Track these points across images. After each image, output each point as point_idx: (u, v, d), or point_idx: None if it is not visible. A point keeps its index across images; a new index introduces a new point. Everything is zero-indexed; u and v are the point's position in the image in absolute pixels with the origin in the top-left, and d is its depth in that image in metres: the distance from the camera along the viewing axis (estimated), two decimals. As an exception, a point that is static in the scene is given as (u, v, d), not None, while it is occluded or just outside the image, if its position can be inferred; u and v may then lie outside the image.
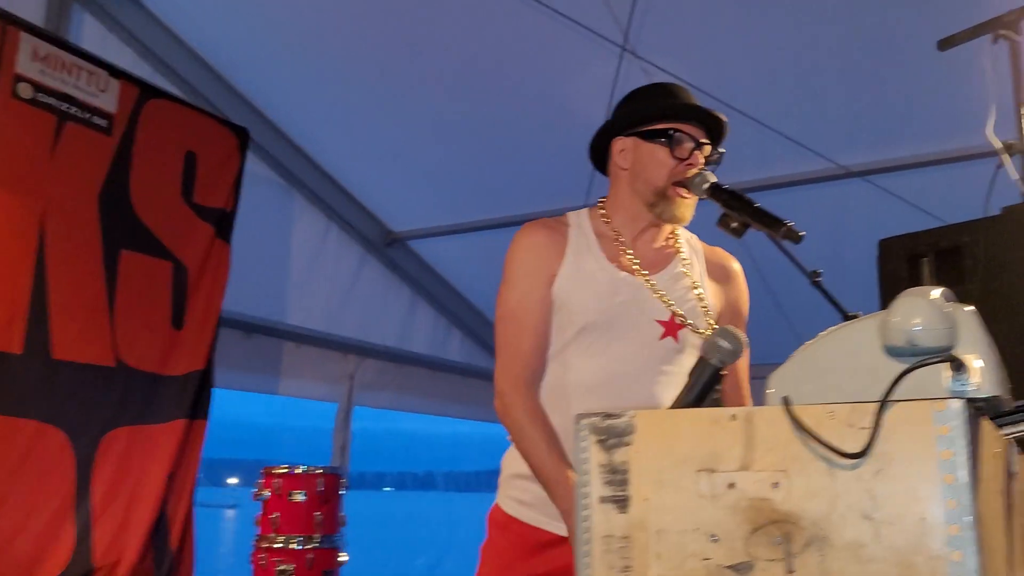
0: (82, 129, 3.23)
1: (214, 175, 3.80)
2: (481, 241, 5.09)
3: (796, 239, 1.70)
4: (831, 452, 0.89)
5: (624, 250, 1.96)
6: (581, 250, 1.94)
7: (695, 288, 1.98)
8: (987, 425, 1.02)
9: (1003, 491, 1.12)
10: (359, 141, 4.72)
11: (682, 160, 1.90)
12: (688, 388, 1.30)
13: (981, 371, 0.92)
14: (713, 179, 1.86)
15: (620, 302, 1.89)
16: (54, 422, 3.08)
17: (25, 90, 3.04)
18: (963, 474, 0.83)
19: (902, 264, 2.62)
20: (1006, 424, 1.33)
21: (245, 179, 4.03)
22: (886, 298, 2.68)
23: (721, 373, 1.30)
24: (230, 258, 3.84)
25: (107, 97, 3.32)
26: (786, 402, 0.93)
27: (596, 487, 1.01)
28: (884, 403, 0.87)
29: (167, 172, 3.59)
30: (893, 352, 0.93)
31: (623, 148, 1.96)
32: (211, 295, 3.73)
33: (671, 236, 2.03)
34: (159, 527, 3.30)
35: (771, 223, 1.72)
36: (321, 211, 4.90)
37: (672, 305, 1.92)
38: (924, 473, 0.85)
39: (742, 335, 1.32)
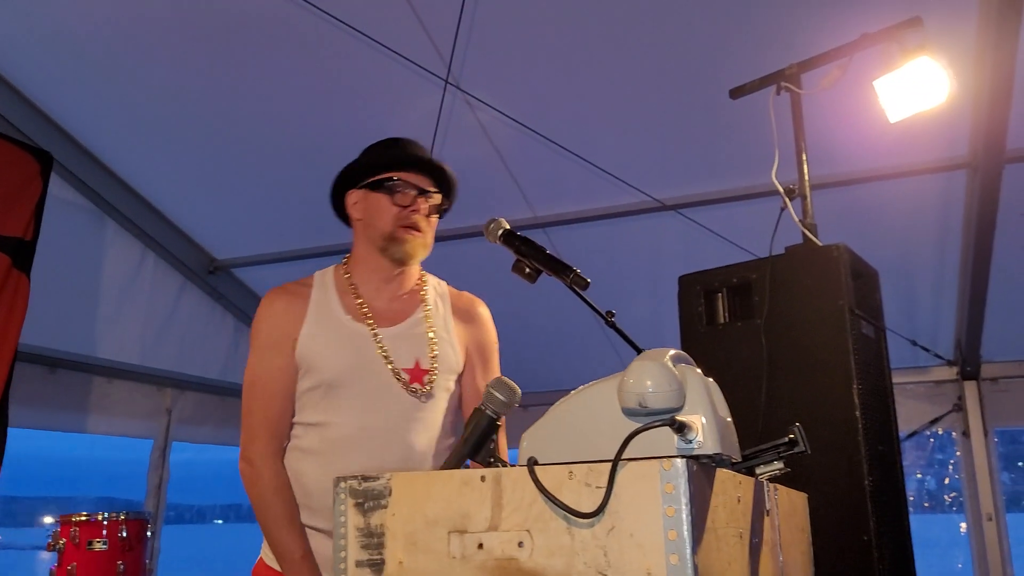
0: None
1: (11, 202, 3.56)
2: (309, 269, 4.99)
3: (583, 285, 1.77)
4: (569, 512, 0.93)
5: (367, 302, 2.02)
6: (322, 309, 1.99)
7: (438, 334, 2.05)
8: (724, 475, 1.09)
9: (747, 533, 1.20)
10: (179, 167, 4.55)
11: (404, 207, 2.00)
12: (464, 439, 1.32)
13: (704, 430, 0.98)
14: (506, 226, 1.91)
15: (365, 355, 1.95)
16: None
17: None
18: (684, 530, 0.88)
19: (698, 299, 2.78)
20: (759, 465, 1.42)
21: (52, 205, 3.80)
22: (685, 331, 2.84)
23: (497, 423, 1.33)
24: (29, 290, 3.60)
25: None
26: (531, 463, 0.96)
27: (352, 551, 1.01)
28: (616, 463, 0.92)
29: (-46, 199, 3.34)
30: (628, 413, 0.98)
31: (356, 200, 2.06)
32: (6, 330, 3.49)
33: (419, 283, 2.11)
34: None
35: (560, 270, 1.79)
36: (137, 238, 4.69)
37: (417, 352, 1.99)
38: (650, 530, 0.90)
39: (516, 388, 1.36)
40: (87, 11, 3.64)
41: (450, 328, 2.08)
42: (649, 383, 0.95)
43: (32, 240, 3.66)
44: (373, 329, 1.98)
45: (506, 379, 1.37)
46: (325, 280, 2.06)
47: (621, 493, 0.91)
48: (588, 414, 1.02)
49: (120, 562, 3.12)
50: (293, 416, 1.98)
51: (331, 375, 1.93)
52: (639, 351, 1.81)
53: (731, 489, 1.12)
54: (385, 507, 1.01)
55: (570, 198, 4.53)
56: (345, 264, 2.09)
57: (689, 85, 3.71)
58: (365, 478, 1.03)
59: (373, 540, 1.00)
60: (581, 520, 0.92)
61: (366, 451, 1.89)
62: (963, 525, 5.13)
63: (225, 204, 4.82)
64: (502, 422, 1.35)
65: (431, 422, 1.96)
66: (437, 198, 2.04)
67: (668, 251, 4.69)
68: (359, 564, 1.00)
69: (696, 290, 2.75)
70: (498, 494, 0.96)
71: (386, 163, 2.02)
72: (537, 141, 3.94)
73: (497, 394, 1.33)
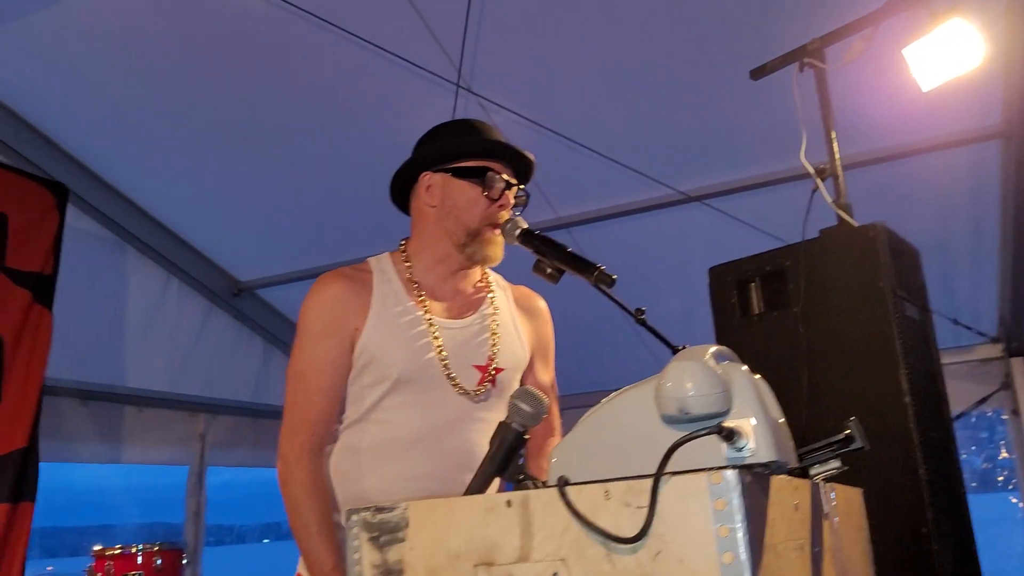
0: None
1: (29, 237, 3.53)
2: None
3: (608, 282, 1.67)
4: (607, 537, 0.83)
5: (433, 295, 1.87)
6: (387, 299, 1.83)
7: (508, 329, 1.93)
8: (779, 482, 0.99)
9: (806, 544, 1.09)
10: (196, 191, 4.51)
11: (494, 201, 1.84)
12: (491, 457, 1.23)
13: (757, 436, 0.88)
14: (524, 225, 1.82)
15: (434, 350, 1.80)
16: None
17: None
18: (741, 552, 0.78)
19: (731, 290, 2.66)
20: (813, 464, 1.32)
21: (71, 237, 3.78)
22: (719, 325, 2.72)
23: (524, 437, 1.24)
24: (52, 324, 3.57)
25: None
26: (562, 483, 0.87)
27: (372, 591, 0.92)
28: (658, 478, 0.82)
29: (-28, 237, 3.30)
30: (669, 420, 0.88)
31: (431, 184, 1.87)
32: (31, 366, 3.45)
33: (482, 277, 1.98)
34: (-22, 627, 2.99)
35: (583, 268, 1.70)
36: (159, 265, 4.65)
37: (488, 349, 1.86)
38: (702, 553, 0.80)
39: (543, 396, 1.26)
40: (93, 43, 3.60)
41: (517, 323, 1.94)
42: (690, 386, 0.85)
43: (52, 274, 3.63)
44: (439, 323, 1.83)
45: (530, 388, 1.27)
46: (384, 267, 1.88)
47: (666, 513, 0.82)
48: (623, 424, 0.93)
49: (156, 594, 3.07)
50: (342, 413, 1.82)
51: (398, 371, 1.76)
52: (673, 348, 1.72)
53: (788, 497, 1.02)
54: (403, 540, 0.92)
55: (592, 196, 4.43)
56: (403, 252, 1.91)
57: (705, 69, 3.59)
58: (379, 509, 0.94)
59: (394, 578, 0.91)
60: (622, 545, 0.82)
61: (428, 452, 1.76)
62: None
63: (245, 226, 4.78)
64: (529, 435, 1.26)
65: (495, 422, 1.83)
66: (522, 196, 1.88)
67: (695, 244, 4.57)
68: (380, 605, 0.91)
69: (728, 281, 2.63)
70: (527, 520, 0.87)
71: (476, 150, 1.84)
72: (554, 140, 3.85)
73: (523, 405, 1.24)
